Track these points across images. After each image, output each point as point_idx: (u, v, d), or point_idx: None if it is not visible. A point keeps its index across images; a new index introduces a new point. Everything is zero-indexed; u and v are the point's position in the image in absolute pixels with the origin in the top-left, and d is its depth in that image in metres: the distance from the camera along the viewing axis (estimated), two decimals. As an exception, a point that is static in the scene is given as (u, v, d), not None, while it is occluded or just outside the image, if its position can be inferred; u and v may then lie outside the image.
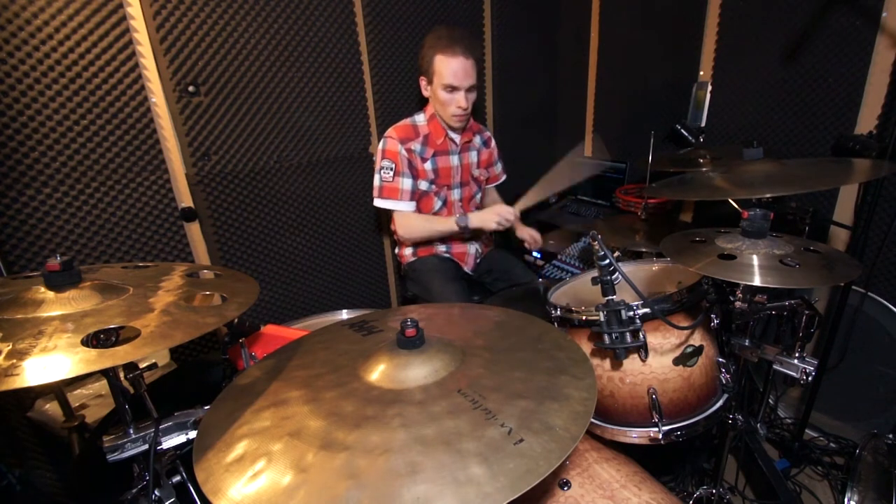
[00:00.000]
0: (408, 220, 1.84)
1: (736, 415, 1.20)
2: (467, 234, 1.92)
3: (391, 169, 1.76)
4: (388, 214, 1.94)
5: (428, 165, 1.82)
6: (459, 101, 1.72)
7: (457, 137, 1.86)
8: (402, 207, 1.80)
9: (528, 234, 2.04)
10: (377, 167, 1.79)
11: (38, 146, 1.40)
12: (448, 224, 1.80)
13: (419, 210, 1.87)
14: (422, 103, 1.87)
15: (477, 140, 1.97)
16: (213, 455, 0.67)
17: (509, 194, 2.28)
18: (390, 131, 1.79)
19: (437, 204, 1.89)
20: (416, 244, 1.95)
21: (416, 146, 1.79)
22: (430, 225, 1.86)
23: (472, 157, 1.95)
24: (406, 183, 1.78)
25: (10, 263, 1.40)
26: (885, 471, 1.36)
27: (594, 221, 2.32)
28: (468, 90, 1.72)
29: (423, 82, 1.78)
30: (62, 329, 0.70)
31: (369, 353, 0.85)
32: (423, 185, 1.84)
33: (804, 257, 1.01)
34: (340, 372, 0.83)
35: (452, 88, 1.70)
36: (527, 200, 1.79)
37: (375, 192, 1.80)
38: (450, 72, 1.67)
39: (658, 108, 2.34)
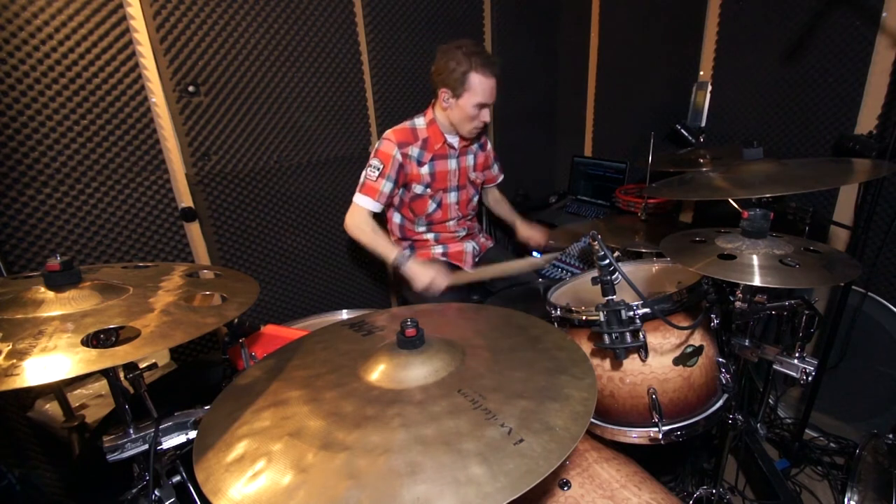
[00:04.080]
0: (360, 219, 1.76)
1: (736, 415, 1.19)
2: (393, 268, 1.87)
3: (378, 169, 1.74)
4: (386, 215, 1.95)
5: (425, 170, 1.82)
6: (484, 117, 1.75)
7: (455, 142, 1.86)
8: (369, 206, 1.75)
9: (529, 234, 2.07)
10: (367, 164, 1.78)
11: (38, 146, 1.41)
12: (387, 252, 1.75)
13: (412, 210, 1.87)
14: (422, 104, 1.87)
15: (474, 144, 1.97)
16: (213, 455, 0.67)
17: (508, 194, 2.29)
18: (389, 133, 1.78)
19: (432, 206, 1.89)
20: (413, 247, 1.96)
21: (413, 151, 1.79)
22: (374, 242, 1.77)
23: (470, 160, 1.95)
24: (386, 186, 1.75)
25: (10, 263, 1.41)
26: (885, 471, 1.36)
27: (594, 221, 2.32)
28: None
29: (444, 94, 1.72)
30: (62, 329, 0.70)
31: (369, 353, 0.85)
32: (418, 189, 1.83)
33: (804, 257, 1.01)
34: (340, 372, 0.83)
35: (483, 105, 1.73)
36: (469, 276, 1.79)
37: (357, 188, 1.77)
38: (487, 91, 1.70)
39: (658, 108, 2.33)
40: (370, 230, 1.79)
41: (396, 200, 1.89)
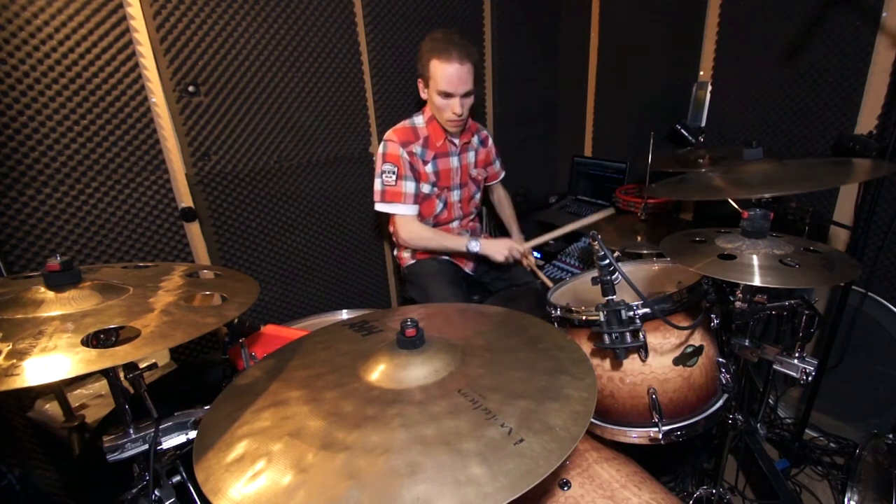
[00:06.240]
0: (414, 228, 1.81)
1: (736, 415, 1.20)
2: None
3: (393, 173, 1.73)
4: (387, 216, 1.94)
5: (429, 168, 1.81)
6: (454, 107, 1.69)
7: (456, 139, 1.86)
8: (405, 211, 1.78)
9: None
10: (378, 171, 1.77)
11: (38, 146, 1.41)
12: (458, 244, 1.80)
13: (420, 213, 1.85)
14: (421, 104, 1.87)
15: (475, 140, 1.96)
16: (213, 455, 0.67)
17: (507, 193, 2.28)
18: (390, 134, 1.77)
19: (439, 206, 1.89)
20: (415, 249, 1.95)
21: (416, 148, 1.78)
22: (440, 241, 1.84)
23: (471, 157, 1.95)
24: (409, 186, 1.75)
25: (10, 263, 1.41)
26: (885, 471, 1.36)
27: (594, 221, 2.32)
28: (464, 96, 1.68)
29: (420, 85, 1.77)
30: (62, 329, 0.70)
31: (369, 353, 0.85)
32: (426, 188, 1.82)
33: (804, 257, 1.01)
34: (340, 372, 0.83)
35: (447, 94, 1.67)
36: (537, 241, 1.84)
37: (377, 197, 1.77)
38: (444, 78, 1.64)
39: (658, 108, 2.33)
40: (429, 234, 1.83)
41: None
